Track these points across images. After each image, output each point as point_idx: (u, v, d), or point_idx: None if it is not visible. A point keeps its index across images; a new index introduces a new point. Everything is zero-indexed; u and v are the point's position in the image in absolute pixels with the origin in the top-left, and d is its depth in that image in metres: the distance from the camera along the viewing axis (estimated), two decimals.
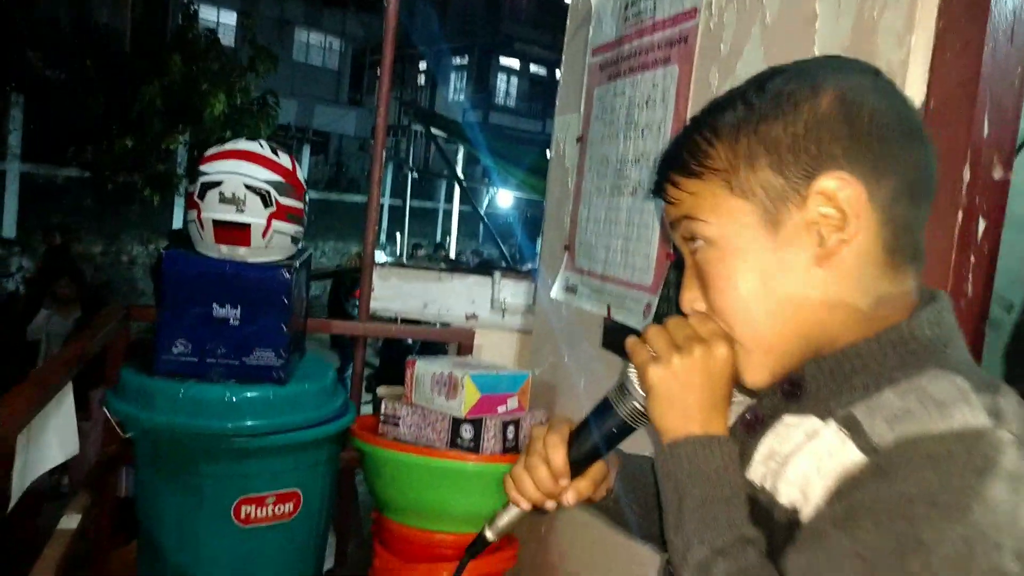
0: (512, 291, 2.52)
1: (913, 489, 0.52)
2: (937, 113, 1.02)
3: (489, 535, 0.81)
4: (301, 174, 1.92)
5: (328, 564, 2.45)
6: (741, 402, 0.74)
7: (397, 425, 2.09)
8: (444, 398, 1.99)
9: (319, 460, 1.98)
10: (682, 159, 0.68)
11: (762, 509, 0.64)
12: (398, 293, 2.48)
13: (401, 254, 11.47)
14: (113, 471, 2.12)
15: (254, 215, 1.79)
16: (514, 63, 23.25)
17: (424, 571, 1.97)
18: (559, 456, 0.75)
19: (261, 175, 1.80)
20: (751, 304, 0.65)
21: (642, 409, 0.70)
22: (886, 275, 0.64)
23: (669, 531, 0.65)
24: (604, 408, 0.74)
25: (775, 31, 1.35)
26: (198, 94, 10.38)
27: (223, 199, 1.77)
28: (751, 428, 0.69)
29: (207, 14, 15.96)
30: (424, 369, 2.07)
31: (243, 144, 1.85)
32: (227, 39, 15.16)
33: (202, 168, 1.81)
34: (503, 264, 7.48)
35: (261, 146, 1.86)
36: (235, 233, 1.79)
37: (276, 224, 1.82)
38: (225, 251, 1.81)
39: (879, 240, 0.63)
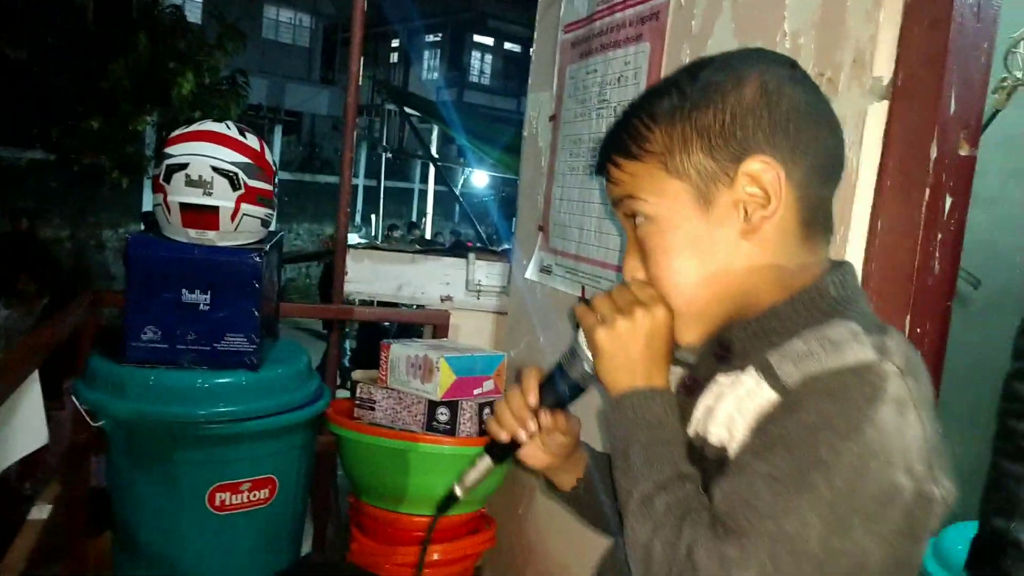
0: (487, 272, 2.51)
1: (815, 418, 0.60)
2: (904, 89, 1.02)
3: (458, 491, 0.84)
4: (270, 156, 1.88)
5: (306, 549, 2.45)
6: (677, 371, 0.81)
7: (373, 409, 2.08)
8: (419, 381, 1.99)
9: (294, 445, 1.96)
10: (623, 142, 0.75)
11: (697, 451, 0.72)
12: (372, 276, 2.46)
13: (376, 235, 11.38)
14: (84, 460, 2.09)
15: (222, 198, 1.75)
16: (488, 41, 23.04)
17: (402, 554, 1.97)
18: (532, 384, 0.83)
19: (228, 157, 1.76)
20: (684, 274, 0.73)
21: (591, 371, 0.78)
22: (802, 245, 0.73)
23: (617, 475, 0.72)
24: (558, 372, 0.82)
25: (746, 6, 1.34)
26: (166, 73, 10.14)
27: (189, 182, 1.73)
28: (690, 391, 0.77)
29: None
30: (399, 352, 2.05)
31: (209, 125, 1.81)
32: (194, 16, 14.83)
33: (167, 150, 1.77)
34: (478, 244, 7.46)
35: (228, 127, 1.82)
36: (203, 216, 1.75)
37: (245, 207, 1.79)
38: (193, 235, 1.78)
39: (796, 215, 0.71)
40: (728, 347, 0.75)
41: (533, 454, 0.87)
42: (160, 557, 1.87)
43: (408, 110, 9.73)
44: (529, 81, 2.31)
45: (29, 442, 1.66)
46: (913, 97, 1.02)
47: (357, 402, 2.11)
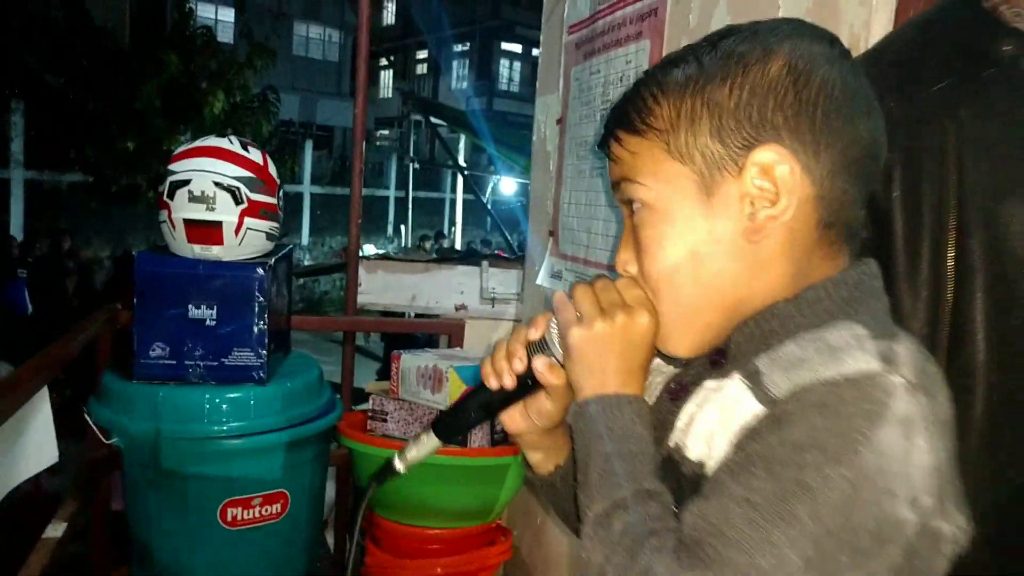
0: (501, 280, 2.48)
1: (803, 435, 0.52)
2: None
3: (399, 465, 0.75)
4: (273, 169, 1.88)
5: (326, 562, 2.44)
6: (666, 373, 0.73)
7: (385, 420, 2.06)
8: (430, 391, 1.96)
9: (305, 459, 1.95)
10: (628, 114, 0.66)
11: (674, 466, 0.64)
12: (385, 286, 2.45)
13: (406, 246, 11.44)
14: (99, 479, 2.10)
15: (225, 213, 1.75)
16: (516, 48, 23.08)
17: (415, 567, 1.95)
18: (541, 320, 0.71)
19: (230, 171, 1.76)
20: (677, 273, 0.64)
21: (559, 362, 0.69)
22: (816, 252, 0.63)
23: (579, 489, 0.64)
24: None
25: None
26: (197, 93, 10.34)
27: (192, 197, 1.73)
28: (675, 396, 0.68)
29: (206, 11, 15.94)
30: (409, 363, 2.03)
31: (212, 141, 1.81)
32: (226, 36, 15.13)
33: (171, 167, 1.77)
34: (504, 253, 7.43)
35: (231, 142, 1.82)
36: (207, 232, 1.75)
37: (249, 221, 1.78)
38: (198, 251, 1.78)
39: (813, 216, 0.62)
40: (723, 352, 0.65)
41: (511, 415, 0.74)
42: (174, 573, 1.86)
43: (436, 120, 9.76)
44: (537, 84, 2.28)
45: (39, 460, 1.66)
46: None
47: (370, 414, 2.09)
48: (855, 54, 1.01)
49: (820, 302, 0.61)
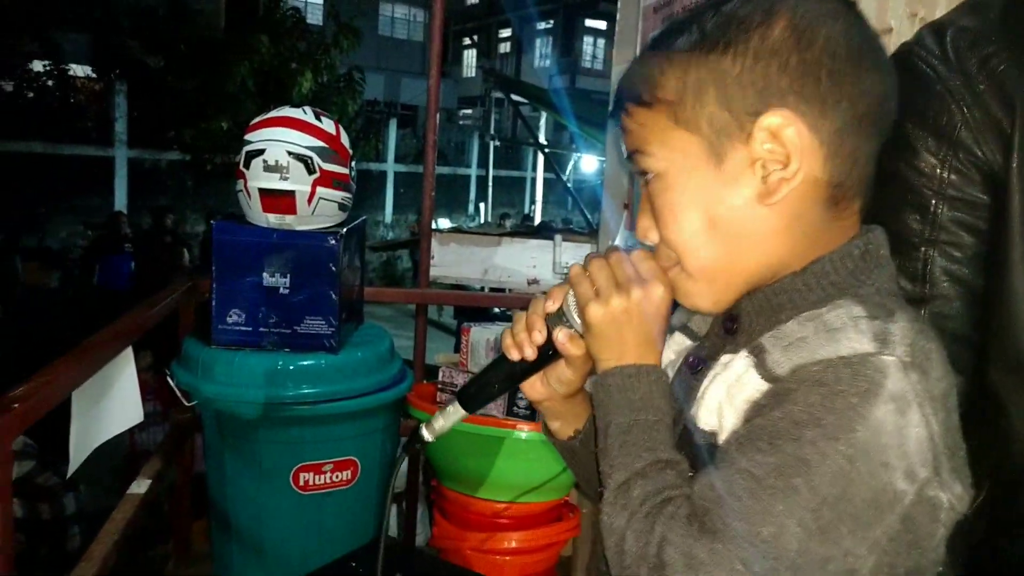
0: (574, 255, 2.43)
1: (802, 412, 0.55)
2: None
3: (426, 434, 0.77)
4: (346, 139, 1.89)
5: (395, 531, 2.47)
6: (688, 349, 0.74)
7: (454, 392, 2.06)
8: None
9: (376, 428, 1.97)
10: (635, 86, 0.67)
11: (689, 436, 0.67)
12: (458, 259, 2.44)
13: (486, 222, 11.49)
14: (183, 440, 2.18)
15: (298, 182, 1.77)
16: (601, 25, 22.73)
17: (481, 539, 1.95)
18: (558, 291, 0.74)
19: (303, 141, 1.77)
20: (696, 237, 0.65)
21: (578, 333, 0.71)
22: (829, 210, 0.64)
23: (600, 457, 0.67)
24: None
25: None
26: (287, 73, 10.62)
27: (267, 167, 1.76)
28: (694, 369, 0.71)
29: None
30: (479, 335, 2.03)
31: (286, 111, 1.83)
32: (315, 18, 15.47)
33: (247, 137, 1.81)
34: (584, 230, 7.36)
35: (304, 112, 1.84)
36: (280, 201, 1.78)
37: (321, 191, 1.80)
38: (273, 220, 1.81)
39: (824, 174, 0.62)
40: (736, 319, 0.68)
41: (531, 384, 0.76)
42: (249, 535, 1.92)
43: (517, 98, 9.71)
44: (613, 53, 2.21)
45: (124, 419, 1.74)
46: None
47: (439, 386, 2.10)
48: (898, 14, 0.93)
49: (827, 275, 0.63)
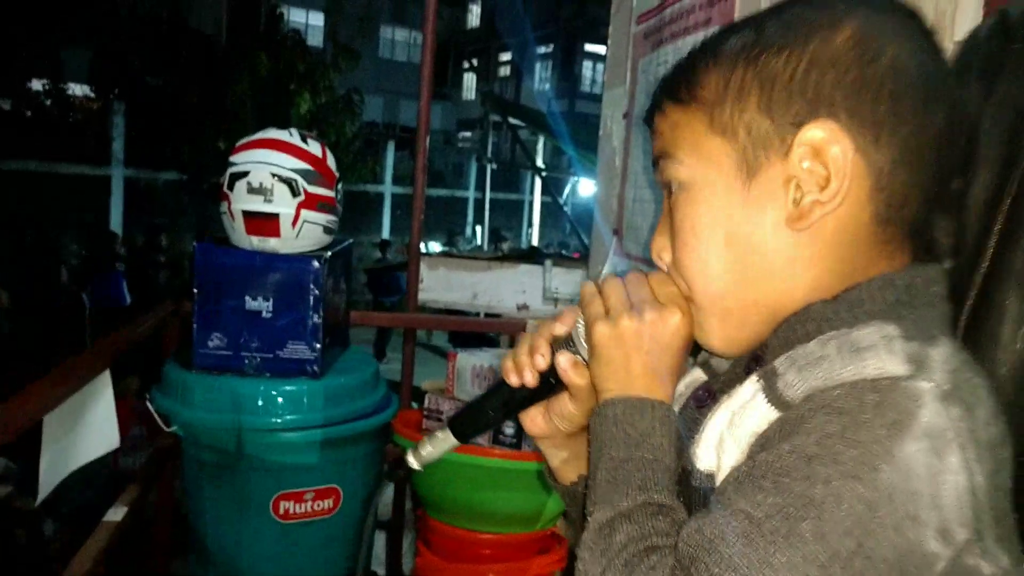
0: (564, 280, 2.41)
1: (816, 444, 0.46)
2: None
3: (413, 462, 0.70)
4: (332, 162, 1.87)
5: (380, 561, 2.42)
6: (696, 380, 0.67)
7: (440, 420, 2.02)
8: (482, 391, 1.91)
9: (359, 456, 1.93)
10: (675, 83, 0.60)
11: (687, 478, 0.58)
12: (447, 284, 2.42)
13: (482, 247, 11.48)
14: (163, 466, 2.14)
15: (282, 205, 1.75)
16: (600, 49, 22.88)
17: (466, 571, 1.90)
18: (569, 315, 0.66)
19: (288, 163, 1.75)
20: (711, 262, 0.58)
21: (584, 361, 0.64)
22: (870, 250, 0.56)
23: (587, 494, 0.59)
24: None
25: None
26: (285, 94, 10.67)
27: (251, 189, 1.74)
28: (701, 404, 0.63)
29: (297, 16, 16.44)
30: (465, 362, 1.99)
31: (272, 133, 1.81)
32: (316, 39, 15.55)
33: (231, 159, 1.79)
34: (581, 256, 7.35)
35: (290, 134, 1.82)
36: (264, 223, 1.75)
37: (305, 213, 1.77)
38: (256, 242, 1.78)
39: (868, 208, 0.55)
40: (760, 361, 0.58)
41: (532, 417, 0.68)
42: (228, 564, 1.88)
43: (515, 121, 9.75)
44: (604, 78, 2.20)
45: (100, 445, 1.70)
46: None
47: (425, 413, 2.06)
48: (941, 30, 0.91)
49: (862, 304, 0.54)
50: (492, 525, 1.92)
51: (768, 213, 0.56)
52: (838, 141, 0.53)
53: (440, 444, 0.69)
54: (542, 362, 0.64)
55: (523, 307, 2.43)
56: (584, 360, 0.63)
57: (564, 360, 0.63)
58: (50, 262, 7.40)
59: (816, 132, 0.53)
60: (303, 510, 1.85)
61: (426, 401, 2.05)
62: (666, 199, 0.62)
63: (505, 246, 11.15)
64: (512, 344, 2.44)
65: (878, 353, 0.48)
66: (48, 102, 11.31)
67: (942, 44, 0.58)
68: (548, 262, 2.41)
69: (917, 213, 0.56)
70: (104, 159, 11.20)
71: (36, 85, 11.21)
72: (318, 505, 1.86)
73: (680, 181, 0.59)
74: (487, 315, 3.11)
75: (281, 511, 1.82)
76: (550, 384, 0.65)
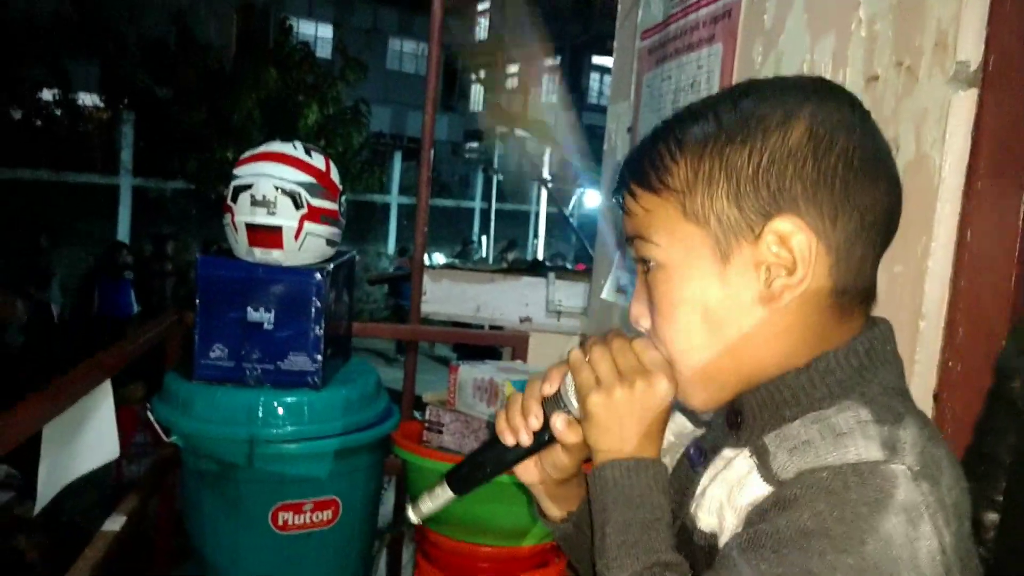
0: (567, 293, 2.41)
1: (809, 520, 0.53)
2: (995, 75, 0.86)
3: (413, 516, 0.77)
4: (336, 175, 1.88)
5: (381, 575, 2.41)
6: (689, 434, 0.74)
7: (441, 432, 2.01)
8: (485, 404, 1.91)
9: (359, 467, 1.93)
10: (643, 170, 0.65)
11: (688, 535, 0.65)
12: (450, 296, 2.42)
13: (487, 258, 11.49)
14: (164, 476, 2.14)
15: (285, 217, 1.75)
16: (607, 62, 22.94)
17: None
18: (555, 374, 0.72)
19: (292, 176, 1.76)
20: (692, 335, 0.64)
21: (576, 418, 0.70)
22: (832, 317, 0.62)
23: (596, 555, 0.65)
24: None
25: None
26: (294, 105, 10.73)
27: (254, 202, 1.74)
28: (694, 463, 0.69)
29: (306, 28, 16.56)
30: (467, 374, 1.99)
31: (276, 146, 1.82)
32: (325, 52, 15.65)
33: (235, 171, 1.79)
34: (586, 268, 7.36)
35: (294, 147, 1.83)
36: (267, 236, 1.76)
37: (308, 226, 1.78)
38: (259, 255, 1.79)
39: (829, 282, 0.61)
40: (740, 414, 0.65)
41: (525, 467, 0.75)
42: (226, 574, 1.87)
43: (522, 132, 9.79)
44: (609, 92, 2.21)
45: (100, 454, 1.70)
46: (1005, 83, 0.86)
47: (426, 424, 2.06)
48: (944, 53, 0.91)
49: (831, 372, 0.61)
50: (492, 538, 1.91)
51: (743, 293, 0.62)
52: (802, 231, 0.59)
53: (439, 498, 0.76)
54: (536, 423, 0.70)
55: (526, 319, 2.43)
56: (576, 418, 0.69)
57: (559, 422, 0.69)
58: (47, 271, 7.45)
59: (783, 224, 0.59)
60: (302, 521, 1.84)
61: (427, 413, 2.05)
62: (641, 272, 0.68)
63: (511, 256, 11.17)
64: (514, 357, 2.44)
65: (855, 439, 0.56)
66: (58, 112, 11.41)
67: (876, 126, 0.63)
68: (551, 275, 2.41)
69: (869, 278, 0.63)
70: (113, 169, 11.28)
71: (46, 95, 11.31)
72: (317, 516, 1.86)
73: (658, 261, 0.64)
74: (491, 327, 3.12)
75: (280, 522, 1.82)
76: (543, 440, 0.71)
